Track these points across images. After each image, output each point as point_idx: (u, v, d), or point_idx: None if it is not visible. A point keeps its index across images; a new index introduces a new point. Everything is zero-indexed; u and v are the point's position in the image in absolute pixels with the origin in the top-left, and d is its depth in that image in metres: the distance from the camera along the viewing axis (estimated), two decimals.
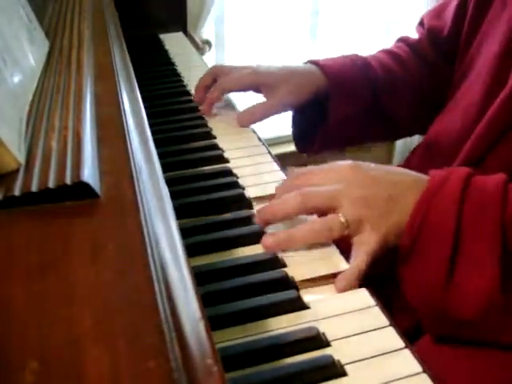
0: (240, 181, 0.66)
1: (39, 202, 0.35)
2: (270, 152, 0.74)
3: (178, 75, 0.99)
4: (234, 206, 0.62)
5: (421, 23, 0.92)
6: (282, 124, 0.84)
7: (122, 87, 0.55)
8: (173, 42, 1.18)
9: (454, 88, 0.79)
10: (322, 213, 0.55)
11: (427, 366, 0.44)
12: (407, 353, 0.45)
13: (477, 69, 0.73)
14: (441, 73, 0.87)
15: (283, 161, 0.72)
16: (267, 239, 0.54)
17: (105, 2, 0.85)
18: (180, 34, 1.24)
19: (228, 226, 0.58)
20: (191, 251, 0.53)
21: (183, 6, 1.27)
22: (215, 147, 0.74)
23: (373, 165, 0.57)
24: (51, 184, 0.36)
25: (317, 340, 0.45)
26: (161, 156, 0.46)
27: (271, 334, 0.46)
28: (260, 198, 0.63)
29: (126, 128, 0.46)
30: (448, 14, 0.84)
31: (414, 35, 0.92)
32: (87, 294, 0.29)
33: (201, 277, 0.50)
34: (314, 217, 0.57)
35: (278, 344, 0.45)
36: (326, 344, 0.45)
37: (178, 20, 1.26)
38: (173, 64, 1.05)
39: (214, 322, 0.46)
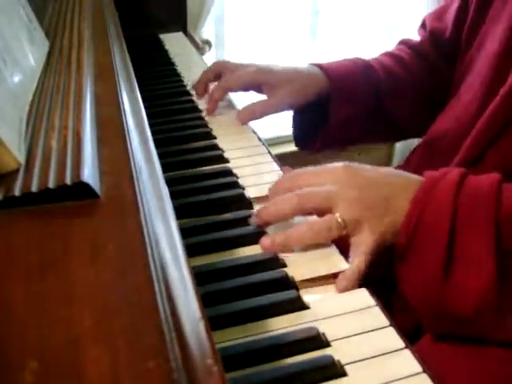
0: (240, 181, 0.66)
1: (39, 202, 0.35)
2: (270, 152, 0.74)
3: (178, 75, 0.99)
4: (234, 206, 0.62)
5: (423, 25, 0.92)
6: (281, 124, 0.84)
7: (122, 87, 0.55)
8: (173, 42, 1.18)
9: (454, 87, 0.79)
10: (319, 214, 0.55)
11: (427, 366, 0.44)
12: (407, 353, 0.45)
13: (477, 67, 0.73)
14: (443, 74, 0.87)
15: (283, 161, 0.72)
16: (265, 241, 0.54)
17: (105, 1, 0.85)
18: (180, 34, 1.24)
19: (228, 226, 0.58)
20: (191, 251, 0.53)
21: (183, 6, 1.27)
22: (215, 147, 0.74)
23: (366, 166, 0.57)
24: (51, 184, 0.36)
25: (317, 340, 0.45)
26: (161, 156, 0.46)
27: (271, 334, 0.46)
28: (260, 198, 0.63)
29: (125, 128, 0.46)
30: (449, 15, 0.84)
31: (415, 37, 0.92)
32: (87, 294, 0.29)
33: (201, 277, 0.50)
34: (314, 217, 0.57)
35: (278, 344, 0.45)
36: (326, 344, 0.45)
37: (178, 20, 1.26)
38: (173, 64, 1.05)
39: (215, 322, 0.46)
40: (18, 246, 0.32)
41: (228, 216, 0.60)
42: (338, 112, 0.82)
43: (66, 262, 0.31)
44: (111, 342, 0.26)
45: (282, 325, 0.47)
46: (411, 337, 0.50)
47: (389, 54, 0.91)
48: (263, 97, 0.82)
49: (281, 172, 0.68)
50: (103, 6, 0.82)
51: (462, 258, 0.49)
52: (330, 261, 0.54)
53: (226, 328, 0.46)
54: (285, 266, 0.53)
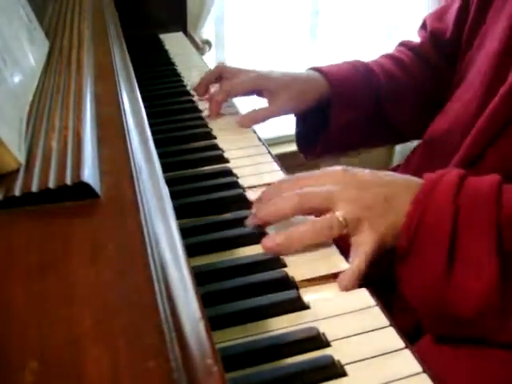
0: (240, 181, 0.66)
1: (39, 202, 0.35)
2: (270, 152, 0.74)
3: (178, 75, 0.99)
4: (234, 206, 0.62)
5: (423, 26, 0.92)
6: (281, 124, 0.84)
7: (122, 87, 0.55)
8: (173, 42, 1.18)
9: (454, 87, 0.79)
10: (319, 214, 0.55)
11: (427, 366, 0.44)
12: (407, 353, 0.45)
13: (477, 67, 0.73)
14: (444, 75, 0.87)
15: (283, 161, 0.72)
16: (267, 241, 0.54)
17: (105, 1, 0.85)
18: (180, 34, 1.24)
19: (228, 226, 0.58)
20: (191, 251, 0.53)
21: (183, 6, 1.27)
22: (215, 147, 0.74)
23: (364, 170, 0.58)
24: (51, 184, 0.36)
25: (317, 340, 0.45)
26: (161, 156, 0.46)
27: (271, 334, 0.46)
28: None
29: (126, 128, 0.46)
30: (450, 16, 0.84)
31: (416, 38, 0.92)
32: (87, 294, 0.29)
33: (201, 277, 0.50)
34: (312, 217, 0.57)
35: (278, 344, 0.45)
36: (326, 344, 0.45)
37: (178, 20, 1.26)
38: (173, 64, 1.05)
39: (215, 322, 0.46)
40: (18, 245, 0.32)
41: (228, 216, 0.60)
42: (339, 117, 0.82)
43: (66, 261, 0.31)
44: (111, 341, 0.26)
45: (282, 325, 0.47)
46: (411, 337, 0.50)
47: (389, 57, 0.90)
48: (264, 100, 0.82)
49: (281, 172, 0.68)
50: (103, 6, 0.82)
51: (464, 260, 0.49)
52: (330, 261, 0.54)
53: (226, 328, 0.46)
54: (285, 266, 0.53)
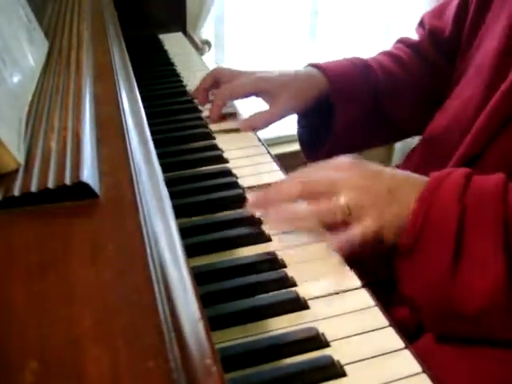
0: (239, 181, 0.66)
1: (39, 203, 0.35)
2: (269, 152, 0.74)
3: (178, 75, 0.99)
4: (234, 206, 0.62)
5: (421, 23, 0.92)
6: (281, 124, 0.84)
7: (122, 87, 0.55)
8: (172, 42, 1.18)
9: (453, 85, 0.79)
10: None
11: (428, 366, 0.44)
12: (407, 353, 0.45)
13: (477, 65, 0.73)
14: (442, 72, 0.87)
15: (283, 161, 0.72)
16: (271, 214, 0.56)
17: (104, 2, 0.85)
18: (179, 35, 1.24)
19: (228, 226, 0.58)
20: (191, 251, 0.53)
21: (183, 7, 1.27)
22: (215, 147, 0.74)
23: (370, 162, 0.58)
24: (51, 184, 0.36)
25: (316, 340, 0.45)
26: (160, 156, 0.46)
27: (271, 334, 0.46)
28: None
29: (125, 128, 0.46)
30: (449, 13, 0.83)
31: (414, 36, 0.92)
32: (87, 294, 0.29)
33: (201, 277, 0.50)
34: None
35: (278, 344, 0.45)
36: (325, 344, 0.45)
37: (178, 20, 1.26)
38: (172, 64, 1.05)
39: (214, 322, 0.46)
40: (17, 246, 0.32)
41: (228, 216, 0.60)
42: (341, 113, 0.82)
43: (65, 261, 0.31)
44: (111, 342, 0.26)
45: (282, 325, 0.47)
46: (412, 336, 0.50)
47: (387, 54, 0.90)
48: (264, 102, 0.82)
49: (280, 172, 0.69)
50: (102, 6, 0.82)
51: (469, 258, 0.49)
52: (330, 261, 0.54)
53: (225, 328, 0.46)
54: (285, 266, 0.53)
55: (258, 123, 0.80)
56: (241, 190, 0.64)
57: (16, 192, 0.35)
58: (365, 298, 0.50)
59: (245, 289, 0.50)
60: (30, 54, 0.53)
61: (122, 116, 0.48)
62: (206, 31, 1.62)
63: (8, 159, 0.37)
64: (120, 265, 0.31)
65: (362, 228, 0.53)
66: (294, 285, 0.51)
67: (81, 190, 0.36)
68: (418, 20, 0.93)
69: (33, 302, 0.28)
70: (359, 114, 0.84)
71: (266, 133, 0.85)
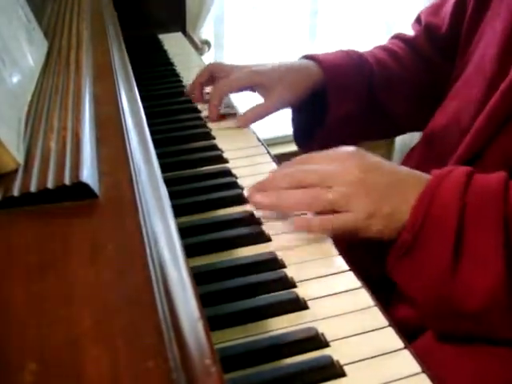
0: (239, 181, 0.66)
1: (38, 203, 0.35)
2: (269, 152, 0.74)
3: (177, 75, 0.99)
4: (234, 206, 0.62)
5: (417, 20, 0.92)
6: (281, 124, 0.84)
7: (121, 87, 0.55)
8: (172, 42, 1.18)
9: (453, 83, 0.79)
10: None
11: (428, 365, 0.44)
12: (406, 353, 0.45)
13: (476, 62, 0.73)
14: (438, 68, 0.87)
15: (282, 161, 0.72)
16: (256, 196, 0.57)
17: (104, 2, 0.85)
18: (179, 35, 1.24)
19: (228, 226, 0.58)
20: (191, 252, 0.53)
21: (182, 7, 1.27)
22: (214, 147, 0.74)
23: (375, 156, 0.58)
24: (50, 184, 0.36)
25: (316, 340, 0.45)
26: (160, 156, 0.46)
27: (270, 334, 0.46)
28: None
29: (124, 128, 0.46)
30: (446, 10, 0.83)
31: (411, 33, 0.92)
32: (87, 294, 0.29)
33: (201, 277, 0.50)
34: (309, 215, 0.57)
35: (278, 344, 0.45)
36: (325, 344, 0.45)
37: (177, 20, 1.26)
38: (172, 64, 1.05)
39: (215, 323, 0.46)
40: (17, 246, 0.32)
41: (228, 216, 0.60)
42: (337, 102, 0.82)
43: (65, 262, 0.31)
44: (110, 342, 0.26)
45: (282, 325, 0.47)
46: (412, 335, 0.50)
47: (382, 48, 0.91)
48: (259, 95, 0.82)
49: None
50: (102, 6, 0.82)
51: (469, 255, 0.49)
52: (330, 261, 0.54)
53: (225, 328, 0.46)
54: (284, 266, 0.53)
55: (253, 117, 0.80)
56: (240, 190, 0.64)
57: (15, 192, 0.35)
58: (364, 297, 0.50)
59: (245, 289, 0.50)
60: (30, 54, 0.53)
61: (122, 116, 0.48)
62: (205, 31, 1.62)
63: (7, 159, 0.37)
64: (119, 265, 0.31)
65: (343, 220, 0.54)
66: (294, 285, 0.51)
67: (80, 190, 0.36)
68: None
69: (32, 302, 0.28)
70: (353, 106, 0.84)
71: (266, 133, 0.85)
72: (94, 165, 0.39)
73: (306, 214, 0.57)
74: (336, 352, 0.44)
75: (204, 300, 0.32)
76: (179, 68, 1.03)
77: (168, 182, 0.43)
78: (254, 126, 0.81)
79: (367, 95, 0.85)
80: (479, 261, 0.48)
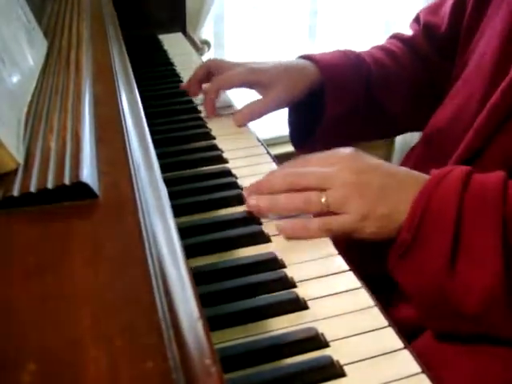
0: (239, 181, 0.66)
1: (38, 203, 0.35)
2: (269, 152, 0.74)
3: (177, 75, 0.99)
4: (234, 207, 0.62)
5: (416, 19, 0.92)
6: (281, 124, 0.84)
7: (121, 87, 0.55)
8: (172, 43, 1.18)
9: (453, 82, 0.79)
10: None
11: (428, 365, 0.44)
12: (406, 353, 0.45)
13: (476, 61, 0.73)
14: (436, 68, 0.87)
15: (282, 161, 0.72)
16: (251, 200, 0.58)
17: (103, 2, 0.85)
18: (179, 35, 1.24)
19: (228, 226, 0.58)
20: (191, 252, 0.53)
21: (182, 7, 1.27)
22: (214, 148, 0.74)
23: (374, 157, 0.58)
24: (50, 184, 0.36)
25: (316, 340, 0.45)
26: (160, 156, 0.46)
27: (271, 334, 0.46)
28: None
29: (124, 128, 0.46)
30: (445, 9, 0.83)
31: (409, 32, 0.92)
32: (86, 294, 0.29)
33: (201, 277, 0.50)
34: (309, 216, 0.57)
35: (278, 344, 0.45)
36: (324, 344, 0.45)
37: (177, 20, 1.26)
38: (172, 64, 1.05)
39: (215, 323, 0.46)
40: (17, 246, 0.32)
41: (228, 216, 0.60)
42: (333, 102, 0.82)
43: (65, 261, 0.31)
44: (110, 341, 0.26)
45: (282, 325, 0.47)
46: (412, 335, 0.50)
47: (380, 47, 0.90)
48: (257, 93, 0.82)
49: None
50: (102, 6, 0.82)
51: (468, 254, 0.49)
52: (330, 261, 0.54)
53: (226, 328, 0.46)
54: (284, 266, 0.53)
55: (250, 114, 0.80)
56: (240, 190, 0.64)
57: (15, 192, 0.35)
58: (364, 297, 0.50)
59: (245, 289, 0.50)
60: (29, 54, 0.53)
61: (122, 116, 0.48)
62: (205, 30, 1.62)
63: (7, 159, 0.37)
64: (119, 264, 0.31)
65: (340, 222, 0.54)
66: (294, 285, 0.51)
67: (80, 189, 0.36)
68: None
69: (32, 302, 0.28)
70: (351, 105, 0.84)
71: (266, 133, 0.85)
72: (93, 165, 0.39)
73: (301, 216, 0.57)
74: (336, 352, 0.44)
75: (204, 300, 0.32)
76: (179, 68, 1.03)
77: (168, 182, 0.43)
78: (253, 126, 0.81)
79: (365, 95, 0.85)
80: (477, 260, 0.48)
